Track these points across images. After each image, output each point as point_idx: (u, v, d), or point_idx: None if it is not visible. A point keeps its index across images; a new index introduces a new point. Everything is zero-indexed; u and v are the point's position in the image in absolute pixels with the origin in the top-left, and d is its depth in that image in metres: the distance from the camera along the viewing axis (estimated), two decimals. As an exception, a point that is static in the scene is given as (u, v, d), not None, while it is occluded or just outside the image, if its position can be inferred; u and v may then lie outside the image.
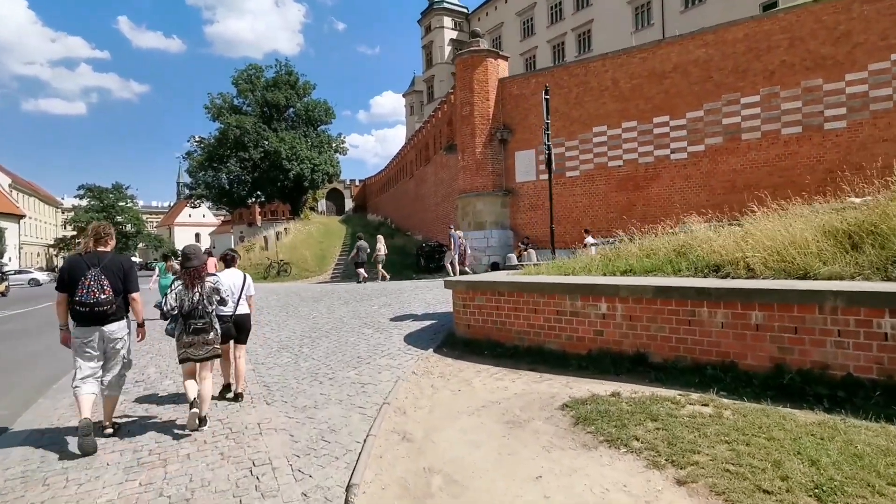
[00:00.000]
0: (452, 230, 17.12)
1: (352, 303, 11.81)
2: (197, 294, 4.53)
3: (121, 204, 70.19)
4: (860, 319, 4.09)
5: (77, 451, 4.10)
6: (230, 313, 5.27)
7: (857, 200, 6.49)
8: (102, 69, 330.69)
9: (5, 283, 26.32)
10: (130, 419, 4.94)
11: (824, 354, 4.28)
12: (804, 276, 5.00)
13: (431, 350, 6.88)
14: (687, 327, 5.07)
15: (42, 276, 39.40)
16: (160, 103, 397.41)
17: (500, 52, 20.23)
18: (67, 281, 4.21)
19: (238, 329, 5.42)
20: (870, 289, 4.13)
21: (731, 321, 4.77)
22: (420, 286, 14.24)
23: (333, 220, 48.20)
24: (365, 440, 4.11)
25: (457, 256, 16.37)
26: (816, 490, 2.81)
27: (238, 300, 5.39)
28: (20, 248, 56.32)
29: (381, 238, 18.81)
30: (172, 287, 4.59)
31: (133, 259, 42.78)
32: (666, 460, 3.37)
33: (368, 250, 18.69)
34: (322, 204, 61.75)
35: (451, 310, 9.41)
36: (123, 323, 4.42)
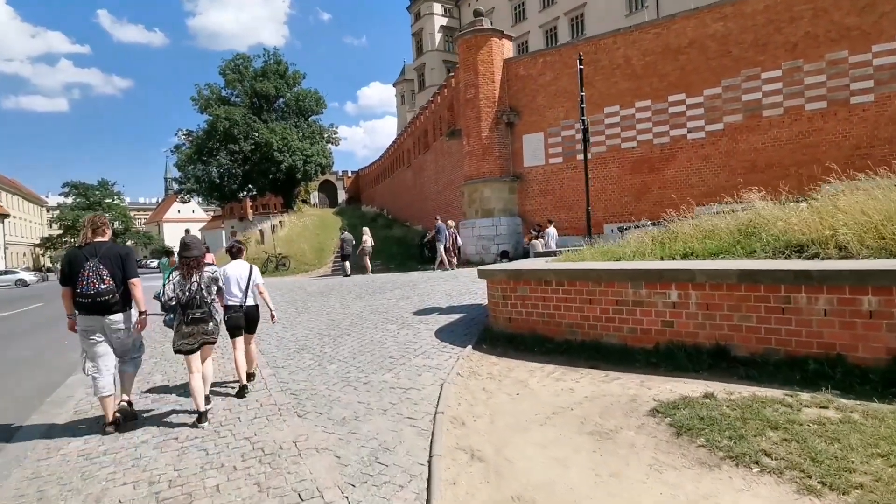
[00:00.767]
0: (439, 221, 16.93)
1: (365, 297, 11.09)
2: (195, 284, 4.48)
3: (107, 201, 68.33)
4: None
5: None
6: (239, 304, 5.34)
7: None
8: (83, 64, 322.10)
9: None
10: (142, 438, 4.23)
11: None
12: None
13: (470, 347, 6.20)
14: (780, 316, 4.42)
15: (29, 277, 38.19)
16: (144, 98, 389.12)
17: (505, 32, 19.38)
18: (69, 274, 4.26)
19: (248, 320, 5.48)
20: None
21: (837, 308, 4.13)
22: (433, 277, 13.54)
23: (327, 212, 47.12)
24: (430, 461, 3.44)
25: (443, 248, 16.25)
26: None
27: (246, 291, 5.41)
28: (5, 248, 54.94)
29: (366, 230, 18.74)
30: (171, 277, 4.56)
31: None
32: (820, 483, 2.73)
33: (354, 242, 18.54)
34: (315, 196, 60.59)
35: (482, 302, 8.79)
36: (128, 314, 4.45)
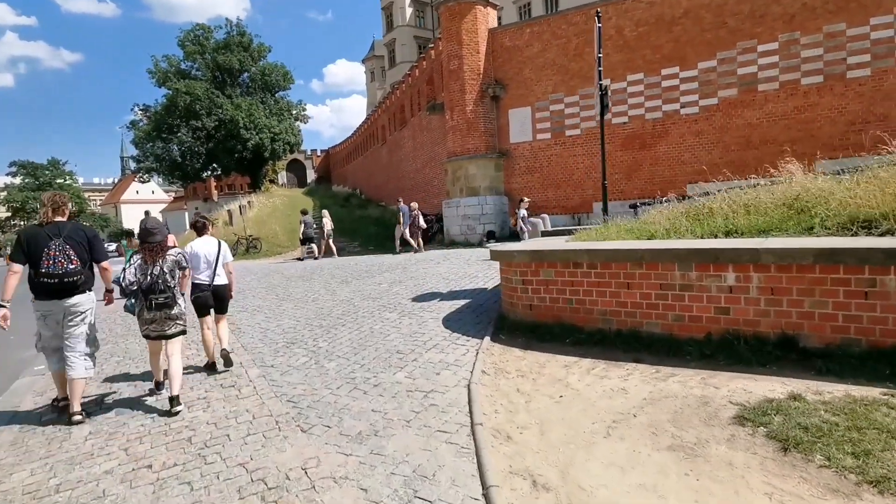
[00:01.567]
0: (401, 203, 16.45)
1: (352, 281, 10.21)
2: (158, 268, 4.30)
3: (59, 181, 64.04)
4: None
5: None
6: (207, 283, 5.20)
7: None
8: (29, 37, 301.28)
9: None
10: (105, 467, 3.36)
11: None
12: None
13: (487, 338, 5.47)
14: (862, 301, 3.85)
15: (-26, 263, 35.44)
16: (95, 73, 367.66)
17: (490, 0, 18.33)
18: (28, 253, 3.95)
19: (217, 299, 5.32)
20: None
21: (935, 292, 3.58)
22: (421, 259, 12.73)
23: (297, 192, 45.39)
24: (486, 495, 2.71)
25: (407, 230, 15.85)
26: None
27: (215, 269, 5.26)
28: (-54, 233, 51.01)
29: (325, 212, 18.39)
30: (131, 261, 4.41)
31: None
32: None
33: (314, 225, 18.32)
34: (283, 176, 58.36)
35: (484, 286, 8.08)
36: (90, 295, 4.23)
